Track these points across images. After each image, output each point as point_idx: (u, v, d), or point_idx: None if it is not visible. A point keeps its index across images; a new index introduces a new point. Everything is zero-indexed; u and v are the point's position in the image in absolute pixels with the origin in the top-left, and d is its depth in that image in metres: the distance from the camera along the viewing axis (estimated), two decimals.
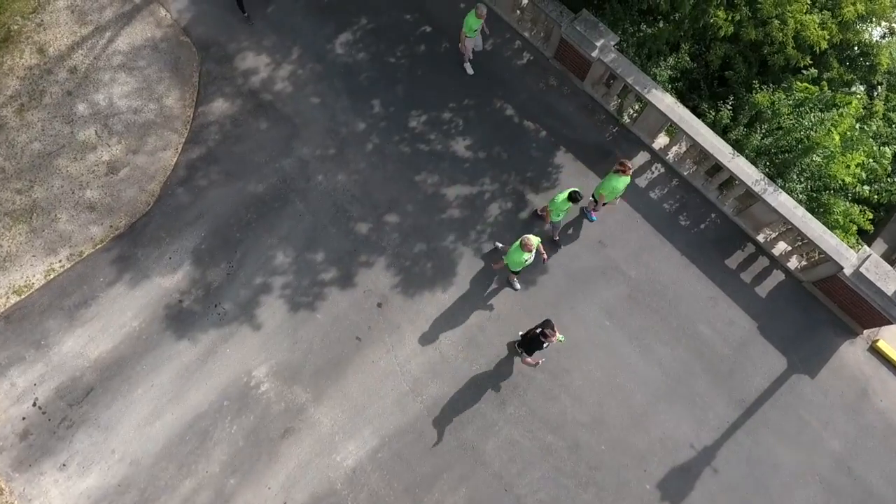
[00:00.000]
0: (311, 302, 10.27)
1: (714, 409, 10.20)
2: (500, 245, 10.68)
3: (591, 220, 11.02)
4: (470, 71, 11.83)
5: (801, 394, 10.38)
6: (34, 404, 9.39)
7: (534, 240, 9.17)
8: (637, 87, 10.78)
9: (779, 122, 11.11)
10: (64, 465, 9.12)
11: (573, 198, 9.44)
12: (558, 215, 9.93)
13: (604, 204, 10.34)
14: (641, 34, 11.94)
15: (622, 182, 9.84)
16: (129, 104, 11.27)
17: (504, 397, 10.01)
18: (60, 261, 10.19)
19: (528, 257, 9.39)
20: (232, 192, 10.83)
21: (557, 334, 8.79)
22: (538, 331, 8.94)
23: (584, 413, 10.02)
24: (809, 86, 11.10)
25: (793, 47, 11.22)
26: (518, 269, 9.77)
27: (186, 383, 9.66)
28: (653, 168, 11.58)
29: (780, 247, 11.09)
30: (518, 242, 9.19)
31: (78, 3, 11.91)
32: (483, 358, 10.20)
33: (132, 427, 9.37)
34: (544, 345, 8.94)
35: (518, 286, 10.50)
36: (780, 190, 10.36)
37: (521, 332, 9.87)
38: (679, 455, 9.94)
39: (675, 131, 11.25)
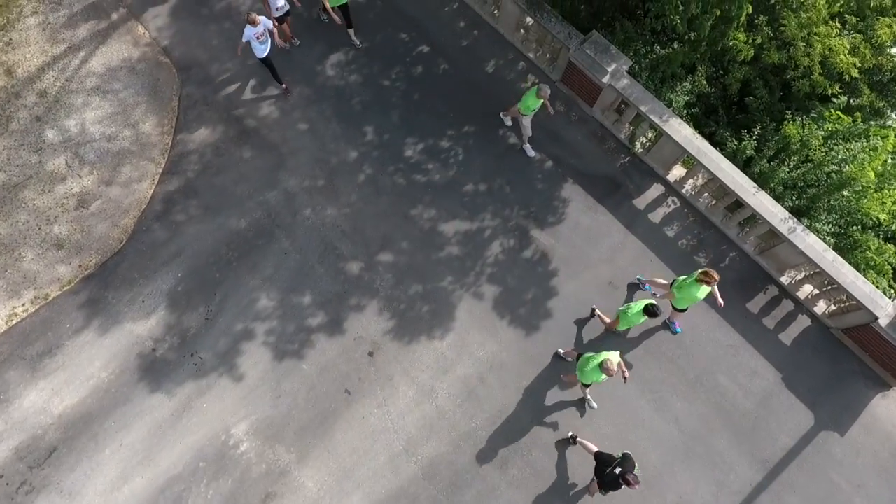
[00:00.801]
0: (297, 350, 9.44)
1: (735, 470, 9.35)
2: (562, 351, 9.53)
3: (676, 333, 9.79)
4: (531, 153, 10.63)
5: (830, 453, 9.53)
6: None
7: (615, 359, 8.07)
8: (652, 117, 9.93)
9: (808, 155, 10.25)
10: None
11: (650, 312, 8.26)
12: (628, 327, 8.81)
13: (682, 310, 9.20)
14: (655, 56, 11.09)
15: (703, 292, 8.63)
16: (102, 131, 10.43)
17: (506, 457, 9.16)
18: (24, 304, 9.36)
19: (606, 378, 8.24)
20: (212, 228, 9.99)
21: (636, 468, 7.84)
22: (617, 471, 7.81)
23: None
24: (843, 115, 10.24)
25: (820, 73, 10.37)
26: (589, 384, 8.70)
27: (159, 443, 8.82)
28: (667, 202, 10.72)
29: (806, 289, 10.23)
30: (598, 363, 8.05)
31: (50, 21, 11.08)
32: (484, 413, 9.36)
33: (98, 492, 8.54)
34: (621, 487, 7.89)
35: (595, 405, 9.32)
36: (809, 231, 9.50)
37: (594, 447, 8.81)
38: None
39: (692, 162, 10.40)
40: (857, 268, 10.05)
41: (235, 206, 10.13)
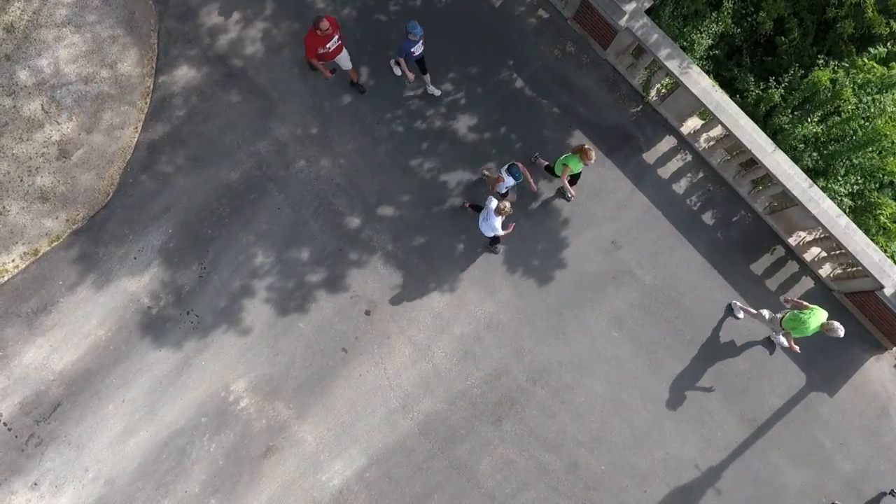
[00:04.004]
0: (293, 309, 9.38)
1: (723, 429, 9.60)
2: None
3: None
4: (783, 344, 9.42)
5: (817, 413, 9.73)
6: None
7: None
8: (669, 65, 9.18)
9: (837, 107, 9.56)
10: (35, 483, 8.69)
11: None
12: None
13: None
14: None
15: None
16: (78, 71, 9.73)
17: (500, 414, 9.38)
18: (14, 260, 9.19)
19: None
20: (201, 181, 9.59)
21: None
22: None
23: (584, 432, 9.44)
24: (877, 65, 9.45)
25: (874, 10, 9.44)
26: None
27: (160, 398, 9.00)
28: (679, 156, 10.19)
29: (814, 252, 9.97)
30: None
31: None
32: (480, 372, 9.46)
33: (105, 445, 8.83)
34: None
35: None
36: (824, 195, 9.08)
37: None
38: (682, 476, 9.47)
39: (708, 115, 9.75)
40: (868, 230, 9.74)
41: (225, 157, 9.66)
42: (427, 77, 9.74)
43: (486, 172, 9.08)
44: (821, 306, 9.94)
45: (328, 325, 9.38)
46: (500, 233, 8.68)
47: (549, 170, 9.49)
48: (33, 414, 8.85)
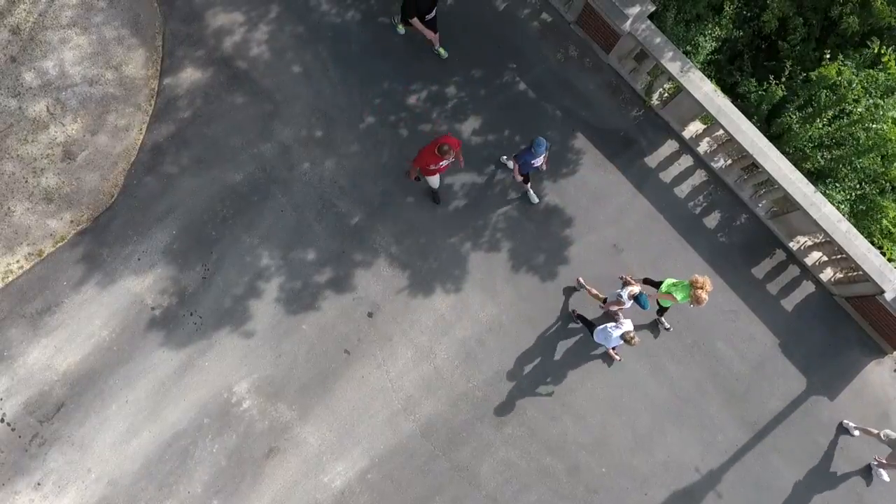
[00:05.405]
0: (296, 311, 9.41)
1: (724, 432, 9.64)
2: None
3: None
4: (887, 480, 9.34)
5: (818, 417, 9.77)
6: (2, 420, 8.82)
7: None
8: (671, 69, 9.23)
9: (842, 107, 9.58)
10: (39, 483, 8.72)
11: None
12: None
13: None
14: None
15: None
16: (83, 73, 9.77)
17: (502, 417, 9.41)
18: (18, 260, 9.22)
19: None
20: (205, 183, 9.63)
21: None
22: None
23: (585, 434, 9.47)
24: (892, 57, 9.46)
25: (883, 2, 9.45)
26: None
27: (163, 399, 9.03)
28: (681, 160, 10.24)
29: (815, 256, 10.02)
30: None
31: None
32: (482, 374, 9.50)
33: (108, 445, 8.86)
34: None
35: None
36: (825, 200, 9.13)
37: None
38: (682, 479, 9.50)
39: (710, 119, 9.80)
40: (871, 235, 9.79)
41: (229, 159, 9.70)
42: (542, 166, 9.30)
43: (582, 281, 9.30)
44: (822, 310, 10.01)
45: (331, 327, 9.42)
46: (612, 345, 8.73)
47: (650, 283, 9.17)
48: (37, 414, 8.87)
